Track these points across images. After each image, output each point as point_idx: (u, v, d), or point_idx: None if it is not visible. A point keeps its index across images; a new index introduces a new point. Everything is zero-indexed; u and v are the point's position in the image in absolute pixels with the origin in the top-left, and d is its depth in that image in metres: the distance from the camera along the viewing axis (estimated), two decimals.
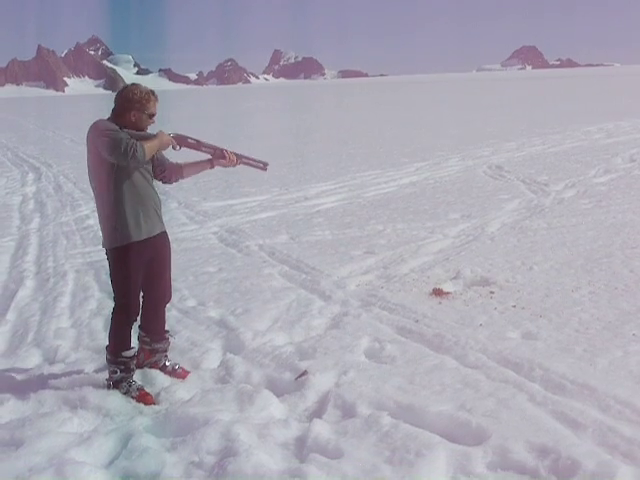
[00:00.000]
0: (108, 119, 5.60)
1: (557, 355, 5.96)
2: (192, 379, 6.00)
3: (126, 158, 5.30)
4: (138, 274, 5.77)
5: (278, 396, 5.56)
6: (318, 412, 5.30)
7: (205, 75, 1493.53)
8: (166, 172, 6.04)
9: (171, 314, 7.59)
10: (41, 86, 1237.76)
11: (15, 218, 14.56)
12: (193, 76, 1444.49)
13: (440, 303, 7.60)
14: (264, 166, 6.23)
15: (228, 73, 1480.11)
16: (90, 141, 5.49)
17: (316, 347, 6.45)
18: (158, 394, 5.76)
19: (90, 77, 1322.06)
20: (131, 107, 5.55)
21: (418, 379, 5.67)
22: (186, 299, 8.20)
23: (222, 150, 5.97)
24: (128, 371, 5.82)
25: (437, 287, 8.04)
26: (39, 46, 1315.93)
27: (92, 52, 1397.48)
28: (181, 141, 5.86)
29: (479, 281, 8.26)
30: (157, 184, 6.02)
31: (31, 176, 21.48)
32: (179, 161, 6.12)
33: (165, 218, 11.81)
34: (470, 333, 6.57)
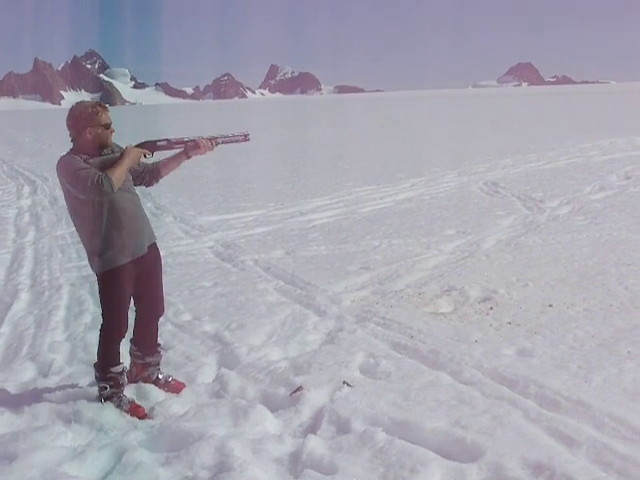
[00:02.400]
0: (71, 150, 5.54)
1: (552, 372, 5.97)
2: (186, 393, 6.00)
3: (95, 194, 5.28)
4: (126, 294, 5.78)
5: (273, 411, 5.56)
6: (313, 428, 5.29)
7: (202, 89, 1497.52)
8: (145, 177, 6.01)
9: (166, 328, 7.59)
10: (37, 99, 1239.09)
11: (10, 231, 14.55)
12: (190, 90, 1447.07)
13: (435, 319, 7.61)
14: (245, 137, 6.17)
15: (224, 87, 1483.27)
16: (59, 178, 5.49)
17: (311, 362, 6.44)
18: (152, 408, 5.75)
19: (86, 90, 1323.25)
20: (84, 125, 5.47)
21: (413, 395, 5.66)
22: (181, 313, 8.19)
23: (195, 140, 5.92)
24: (118, 386, 5.82)
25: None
26: (36, 59, 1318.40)
27: (89, 65, 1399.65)
28: (151, 147, 5.81)
29: (474, 297, 8.27)
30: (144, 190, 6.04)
31: (27, 189, 21.48)
32: (155, 161, 6.04)
33: (160, 232, 11.76)
34: (465, 349, 6.56)
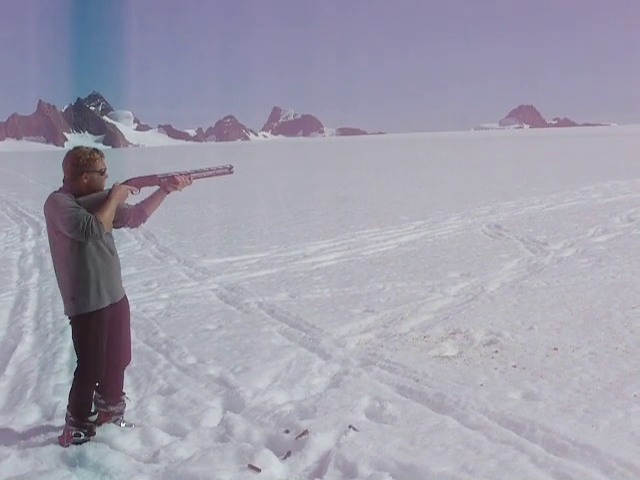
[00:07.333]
0: (61, 189, 5.72)
1: (558, 416, 5.95)
2: (192, 437, 5.96)
3: (84, 236, 5.43)
4: (100, 340, 5.83)
5: (278, 455, 5.53)
6: (319, 472, 5.28)
7: (204, 131, 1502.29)
8: (130, 219, 6.11)
9: (170, 371, 7.59)
10: (41, 140, 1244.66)
11: (14, 273, 14.54)
12: (192, 132, 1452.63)
13: (440, 363, 7.59)
14: (229, 169, 6.25)
15: (227, 130, 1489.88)
16: (48, 216, 5.63)
17: (316, 406, 6.43)
18: (157, 452, 5.72)
19: (90, 132, 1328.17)
20: (81, 171, 5.66)
21: (419, 439, 5.64)
22: (186, 356, 8.17)
23: (172, 176, 6.02)
24: (91, 434, 5.88)
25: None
26: (40, 101, 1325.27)
27: (92, 108, 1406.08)
28: (137, 183, 5.95)
29: (479, 340, 8.26)
30: (128, 232, 6.06)
31: (31, 231, 21.50)
32: (138, 202, 6.16)
33: (164, 275, 11.77)
34: (471, 393, 6.55)
